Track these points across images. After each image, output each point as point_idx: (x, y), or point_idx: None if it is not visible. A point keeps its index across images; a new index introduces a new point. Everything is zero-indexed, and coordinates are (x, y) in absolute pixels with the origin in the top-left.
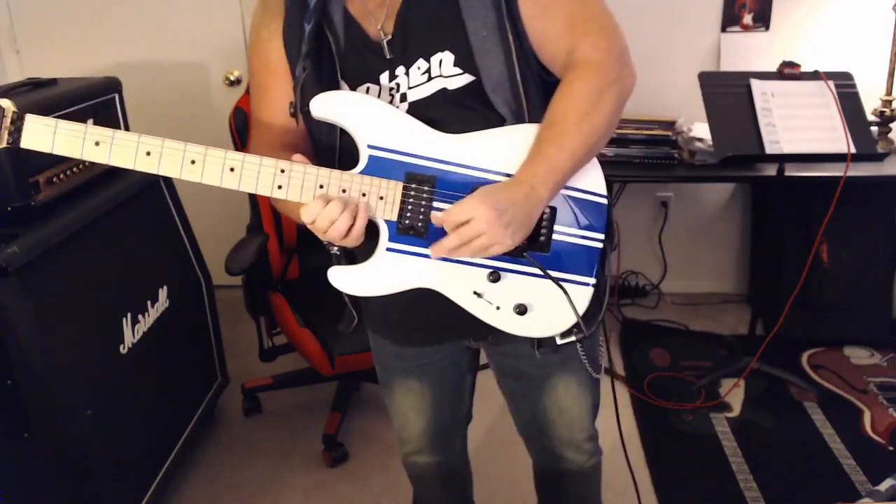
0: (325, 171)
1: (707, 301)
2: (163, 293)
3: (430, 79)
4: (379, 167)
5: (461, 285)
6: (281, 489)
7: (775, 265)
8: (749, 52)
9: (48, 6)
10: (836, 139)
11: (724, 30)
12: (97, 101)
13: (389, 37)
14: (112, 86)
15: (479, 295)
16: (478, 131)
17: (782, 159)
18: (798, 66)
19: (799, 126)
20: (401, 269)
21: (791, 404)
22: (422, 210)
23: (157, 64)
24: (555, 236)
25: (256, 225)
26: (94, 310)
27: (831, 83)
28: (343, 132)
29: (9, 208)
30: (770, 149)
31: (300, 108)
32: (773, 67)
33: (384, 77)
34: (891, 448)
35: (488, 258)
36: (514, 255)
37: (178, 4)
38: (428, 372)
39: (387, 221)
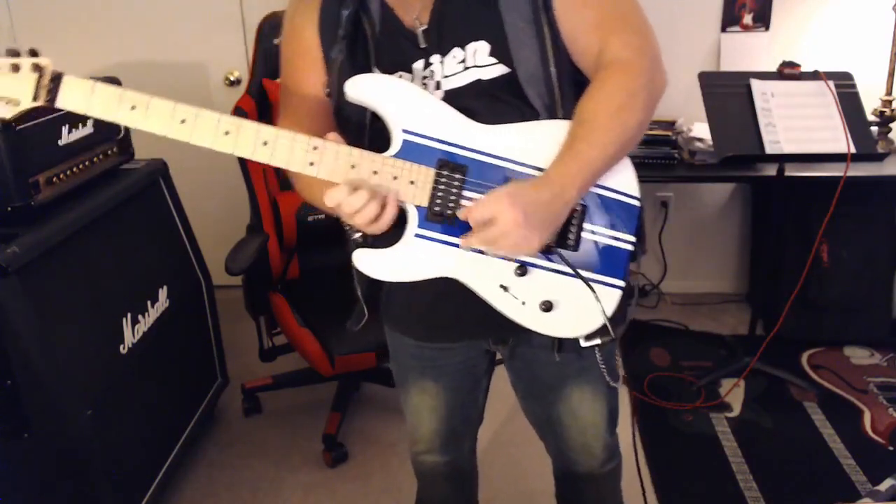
0: (357, 151)
1: (707, 301)
2: (163, 293)
3: (465, 68)
4: (412, 152)
5: (487, 277)
6: (281, 489)
7: (775, 265)
8: (749, 52)
9: (48, 6)
10: (836, 139)
11: (724, 30)
12: None
13: (425, 26)
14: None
15: (505, 288)
16: (512, 124)
17: (782, 159)
18: (798, 66)
19: (799, 126)
20: (428, 256)
21: (791, 404)
22: (452, 198)
23: (157, 64)
24: (584, 235)
25: (256, 225)
26: (94, 310)
27: (831, 83)
28: (374, 115)
29: (9, 208)
30: (770, 149)
31: (336, 89)
32: (773, 67)
33: (418, 65)
34: (891, 448)
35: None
36: (542, 252)
37: (179, 4)
38: (444, 373)
39: (417, 207)
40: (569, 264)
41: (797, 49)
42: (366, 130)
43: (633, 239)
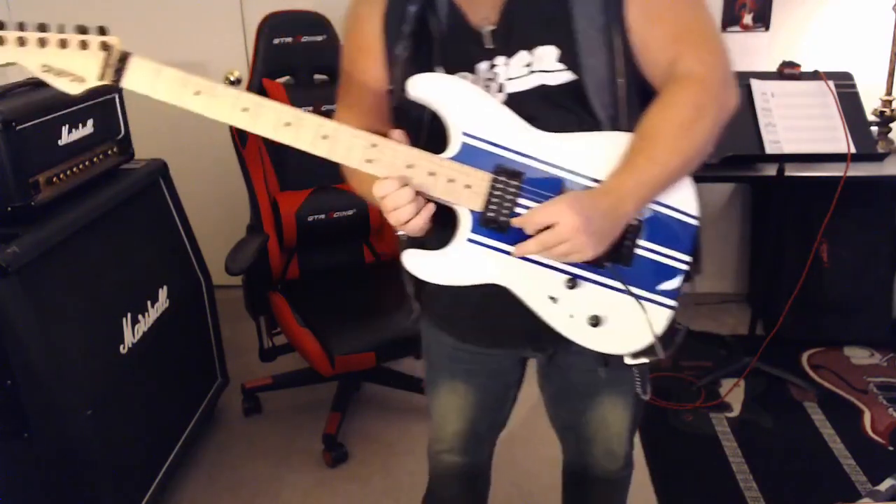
0: (415, 151)
1: (707, 301)
2: (163, 293)
3: (530, 72)
4: (470, 155)
5: (537, 288)
6: (281, 489)
7: (775, 265)
8: (749, 52)
9: (48, 6)
10: (836, 139)
11: (724, 30)
12: (97, 101)
13: (493, 26)
14: (112, 86)
15: (553, 300)
16: (573, 132)
17: (782, 159)
18: (798, 66)
19: (799, 126)
20: (478, 261)
21: (791, 404)
22: (507, 205)
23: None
24: (640, 252)
25: (256, 225)
26: (94, 310)
27: (831, 83)
28: (433, 114)
29: (9, 208)
30: (770, 149)
31: (398, 86)
32: (773, 67)
33: (482, 66)
34: (891, 448)
35: (569, 265)
36: (595, 265)
37: (178, 4)
38: (476, 377)
39: (470, 212)
40: (621, 280)
41: (797, 49)
42: (423, 129)
43: (688, 259)
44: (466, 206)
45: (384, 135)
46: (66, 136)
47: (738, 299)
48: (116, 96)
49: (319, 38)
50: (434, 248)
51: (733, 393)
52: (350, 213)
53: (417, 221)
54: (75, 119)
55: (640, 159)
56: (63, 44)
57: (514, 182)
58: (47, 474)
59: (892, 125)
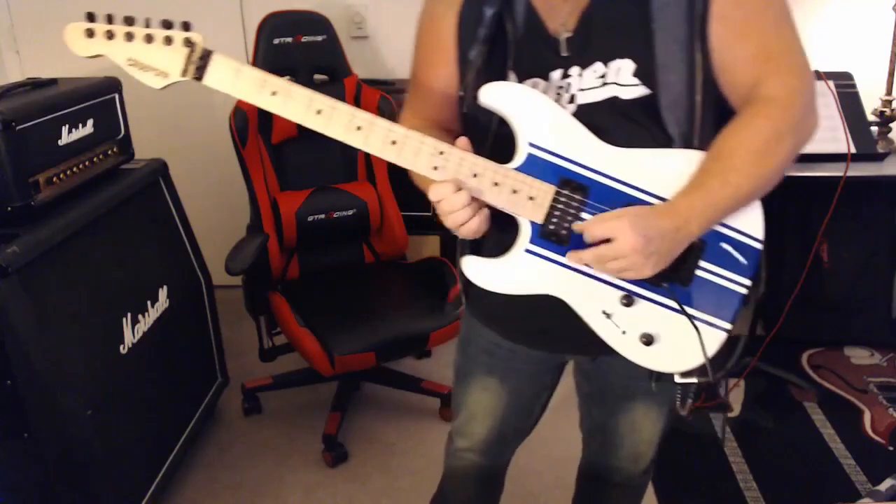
0: (481, 161)
1: None
2: (163, 293)
3: (604, 84)
4: (535, 166)
5: (592, 302)
6: (281, 489)
7: (775, 265)
8: None
9: (48, 6)
10: (836, 139)
11: None
12: (97, 101)
13: (570, 34)
14: (112, 86)
15: (607, 315)
16: (642, 148)
17: None
18: None
19: None
20: (535, 272)
21: (791, 404)
22: (569, 218)
23: None
24: (700, 273)
25: (256, 225)
26: (94, 310)
27: (831, 83)
28: (503, 122)
29: (9, 208)
30: None
31: (469, 91)
32: None
33: (555, 74)
34: (891, 448)
35: (626, 281)
36: (652, 283)
37: (178, 4)
38: (511, 377)
39: (531, 223)
40: (677, 301)
41: None
42: (490, 135)
43: (748, 283)
44: (528, 217)
45: (451, 141)
46: (66, 136)
47: None
48: (116, 96)
49: (319, 38)
50: (491, 251)
51: (733, 393)
52: (350, 213)
53: (472, 225)
54: (75, 119)
55: (712, 181)
56: (149, 39)
57: (577, 196)
58: (47, 474)
59: (892, 125)
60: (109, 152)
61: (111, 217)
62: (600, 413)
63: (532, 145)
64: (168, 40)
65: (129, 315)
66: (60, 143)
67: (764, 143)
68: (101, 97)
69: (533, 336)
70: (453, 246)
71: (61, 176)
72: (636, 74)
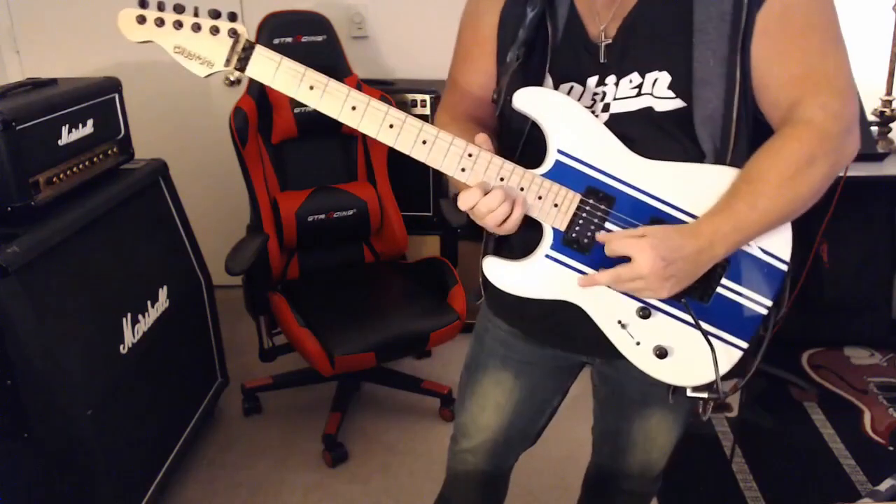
0: (509, 165)
1: None
2: (163, 293)
3: (639, 94)
4: (562, 174)
5: (608, 311)
6: (281, 489)
7: None
8: None
9: (48, 6)
10: None
11: None
12: (97, 101)
13: (609, 41)
14: (112, 86)
15: (623, 325)
16: (673, 162)
17: None
18: None
19: None
20: (554, 278)
21: (791, 404)
22: (592, 227)
23: (157, 64)
24: (721, 290)
25: (256, 225)
26: (94, 310)
27: None
28: (535, 125)
29: (9, 208)
30: None
31: (504, 94)
32: None
33: (592, 80)
34: (891, 448)
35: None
36: (672, 298)
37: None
38: (526, 373)
39: (553, 229)
40: (693, 317)
41: None
42: (522, 138)
43: (769, 304)
44: (552, 224)
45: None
46: (66, 136)
47: None
48: (116, 96)
49: (319, 38)
50: (514, 250)
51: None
52: (350, 213)
53: (511, 222)
54: (75, 119)
55: (741, 205)
56: (196, 28)
57: (602, 206)
58: (47, 474)
59: (892, 125)
60: (109, 152)
61: (111, 217)
62: (614, 418)
63: (561, 152)
64: (215, 30)
65: (129, 315)
66: (60, 143)
67: (796, 167)
68: (101, 97)
69: (549, 334)
70: (453, 246)
71: (61, 176)
72: (671, 87)
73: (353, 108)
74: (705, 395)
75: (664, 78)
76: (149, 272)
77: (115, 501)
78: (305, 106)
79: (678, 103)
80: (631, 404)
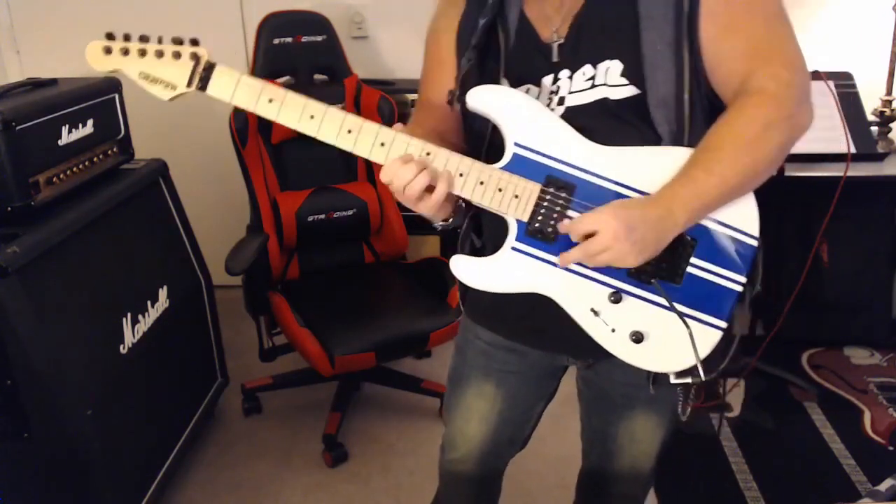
0: (467, 160)
1: None
2: (163, 293)
3: (593, 86)
4: (521, 165)
5: (580, 299)
6: (281, 489)
7: (775, 265)
8: None
9: (48, 6)
10: (836, 139)
11: None
12: (97, 101)
13: (561, 40)
14: (112, 86)
15: (596, 313)
16: (629, 147)
17: None
18: None
19: None
20: (522, 270)
21: (791, 404)
22: (554, 216)
23: None
24: (691, 270)
25: (256, 225)
26: (94, 310)
27: (831, 83)
28: (495, 126)
29: (9, 208)
30: None
31: (458, 97)
32: None
33: (547, 79)
34: (891, 448)
35: (614, 279)
36: (641, 281)
37: (179, 4)
38: (508, 383)
39: (517, 221)
40: (666, 297)
41: None
42: (485, 142)
43: (743, 280)
44: (514, 216)
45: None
46: (66, 136)
47: None
48: (116, 96)
49: (319, 38)
50: (487, 250)
51: (733, 393)
52: (350, 213)
53: (436, 197)
54: (75, 119)
55: (698, 171)
56: (160, 54)
57: (562, 194)
58: (47, 474)
59: (892, 125)
60: (109, 152)
61: (111, 217)
62: (599, 421)
63: (518, 145)
64: (177, 55)
65: (129, 315)
66: (60, 143)
67: (752, 133)
68: (101, 97)
69: (530, 334)
70: (454, 246)
71: (61, 176)
72: (624, 74)
73: (312, 116)
74: (688, 379)
75: (616, 66)
76: (149, 272)
77: (115, 501)
78: None
79: (632, 90)
80: (615, 407)
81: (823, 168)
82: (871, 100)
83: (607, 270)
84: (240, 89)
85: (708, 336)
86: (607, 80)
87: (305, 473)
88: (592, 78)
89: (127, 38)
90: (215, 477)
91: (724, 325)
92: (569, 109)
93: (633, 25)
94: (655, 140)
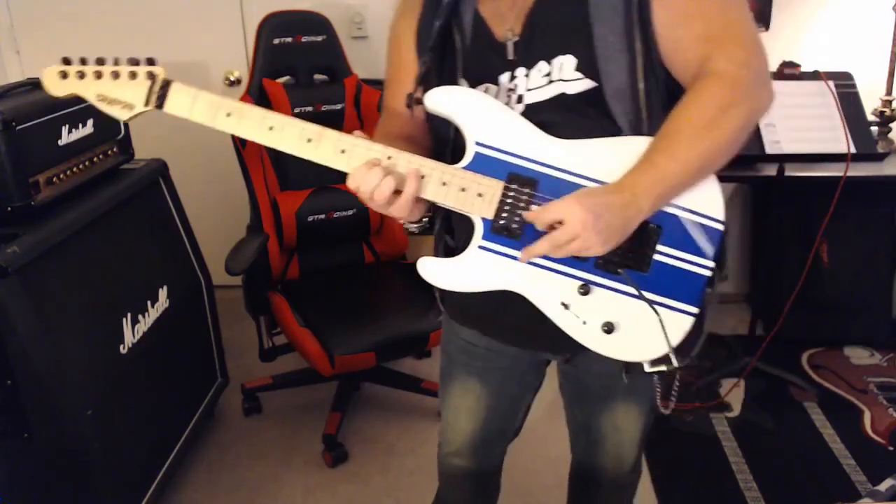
0: (429, 162)
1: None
2: (163, 293)
3: (550, 82)
4: (483, 164)
5: (549, 294)
6: (281, 489)
7: (775, 265)
8: None
9: (48, 6)
10: (836, 139)
11: None
12: None
13: (516, 38)
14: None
15: (566, 306)
16: (590, 139)
17: (782, 159)
18: (798, 66)
19: (799, 126)
20: (490, 268)
21: (791, 404)
22: (519, 212)
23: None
24: (658, 257)
25: (256, 225)
26: (94, 310)
27: (831, 83)
28: (457, 129)
29: (9, 208)
30: (770, 149)
31: (416, 100)
32: (774, 67)
33: (504, 77)
34: (891, 448)
35: (582, 271)
36: (609, 271)
37: (178, 4)
38: (491, 377)
39: (483, 219)
40: (634, 286)
41: (797, 49)
42: (449, 143)
43: (711, 264)
44: (479, 214)
45: (423, 154)
46: (66, 136)
47: (738, 299)
48: None
49: (319, 38)
50: (459, 252)
51: (733, 393)
52: (350, 213)
53: (404, 201)
54: (75, 119)
55: (659, 157)
56: (115, 75)
57: (526, 190)
58: (47, 474)
59: (892, 125)
60: (109, 152)
61: (111, 217)
62: (582, 414)
63: (479, 144)
64: (132, 75)
65: (129, 315)
66: (60, 143)
67: (710, 115)
68: None
69: (506, 332)
70: None
71: (61, 176)
72: (579, 69)
73: (271, 128)
74: (663, 367)
75: (569, 61)
76: (149, 272)
77: (115, 502)
78: (305, 106)
79: (588, 83)
80: (596, 400)
81: (823, 168)
82: (871, 100)
83: (575, 263)
84: (197, 105)
85: (680, 322)
86: (563, 76)
87: (305, 473)
88: (549, 74)
89: (83, 61)
90: (215, 477)
91: (695, 310)
92: (528, 107)
93: (584, 19)
94: (615, 131)
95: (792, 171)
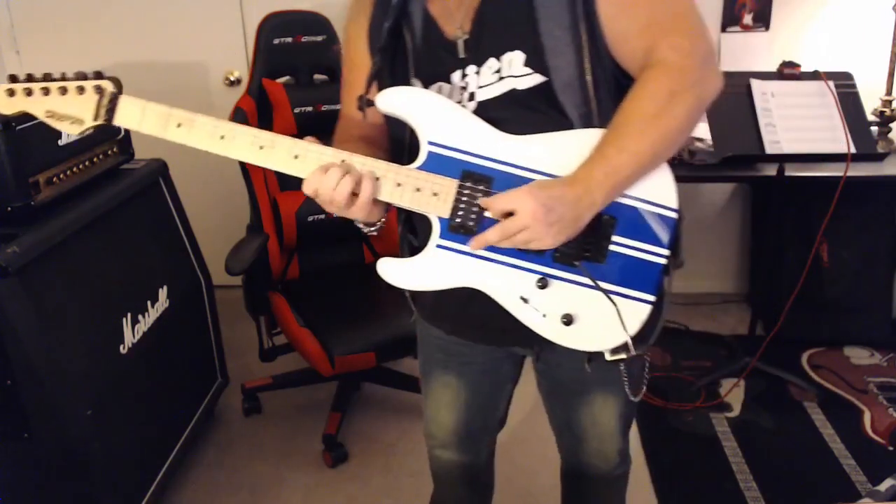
0: (382, 164)
1: (707, 301)
2: (163, 293)
3: (500, 79)
4: (437, 164)
5: (508, 288)
6: (281, 489)
7: (775, 265)
8: (749, 52)
9: (48, 6)
10: (836, 139)
11: (723, 30)
12: None
13: (466, 36)
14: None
15: (525, 300)
16: (542, 134)
17: (782, 159)
18: (798, 66)
19: (799, 126)
20: (449, 266)
21: (791, 404)
22: (474, 209)
23: (157, 64)
24: (614, 248)
25: (256, 225)
26: (94, 310)
27: (831, 83)
28: (412, 131)
29: (9, 208)
30: (770, 149)
31: (367, 102)
32: (773, 67)
33: (456, 76)
34: (891, 448)
35: (539, 265)
36: (565, 263)
37: (178, 4)
38: (467, 372)
39: (439, 218)
40: (590, 277)
41: (797, 49)
42: (405, 144)
43: (666, 253)
44: (435, 213)
45: (383, 156)
46: (66, 136)
47: (738, 299)
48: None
49: (319, 38)
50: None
51: (733, 393)
52: None
53: (362, 201)
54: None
55: (610, 149)
56: (63, 91)
57: (480, 187)
58: (47, 474)
59: (892, 125)
60: (109, 152)
61: (111, 217)
62: (562, 411)
63: (432, 143)
64: (80, 90)
65: (129, 315)
66: (60, 143)
67: (657, 105)
68: None
69: (474, 331)
70: None
71: (61, 176)
72: (528, 64)
73: (222, 137)
74: (624, 355)
75: (518, 56)
76: (149, 272)
77: (115, 502)
78: (305, 106)
79: (538, 78)
80: (571, 395)
81: (823, 168)
82: (871, 100)
83: (533, 257)
84: (147, 117)
85: (637, 311)
86: (512, 72)
87: (305, 473)
88: (499, 70)
89: (30, 78)
90: (215, 477)
91: (652, 298)
92: (480, 104)
93: (530, 15)
94: (567, 124)
95: (792, 171)
